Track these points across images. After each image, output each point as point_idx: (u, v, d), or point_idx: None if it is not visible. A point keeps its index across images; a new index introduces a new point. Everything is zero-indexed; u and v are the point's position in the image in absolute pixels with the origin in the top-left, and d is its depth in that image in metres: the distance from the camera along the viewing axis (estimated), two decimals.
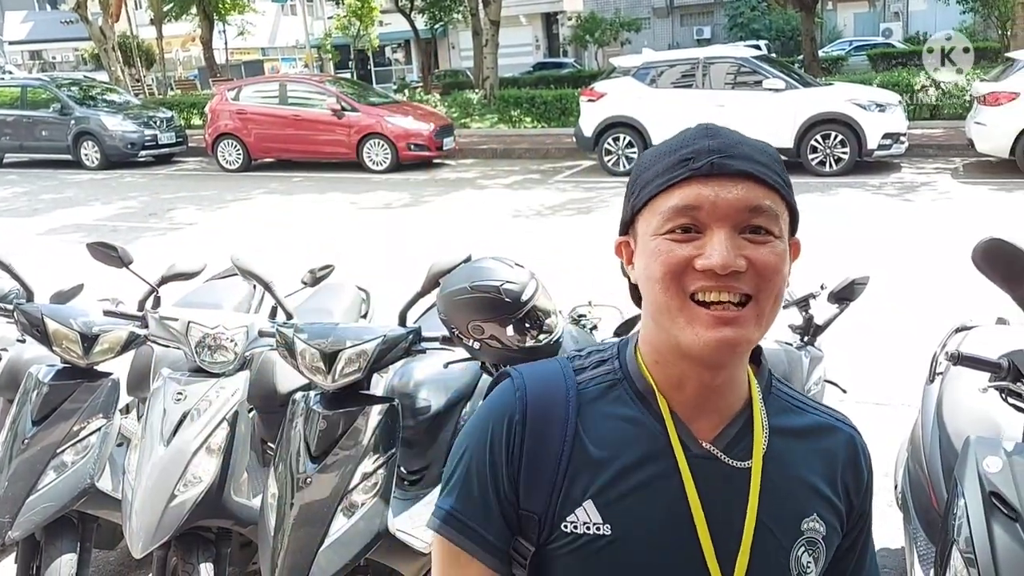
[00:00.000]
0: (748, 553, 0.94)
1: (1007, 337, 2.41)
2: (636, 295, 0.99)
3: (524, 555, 0.97)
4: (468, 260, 2.29)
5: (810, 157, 10.91)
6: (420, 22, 30.66)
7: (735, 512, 0.95)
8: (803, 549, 0.97)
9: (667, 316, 0.91)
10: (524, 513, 0.96)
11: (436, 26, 32.39)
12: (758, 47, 15.44)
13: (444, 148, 13.76)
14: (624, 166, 11.99)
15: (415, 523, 2.47)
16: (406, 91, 21.87)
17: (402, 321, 2.44)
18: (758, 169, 0.91)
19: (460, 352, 2.30)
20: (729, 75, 11.62)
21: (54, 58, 45.55)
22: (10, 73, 30.31)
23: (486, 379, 2.83)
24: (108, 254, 2.68)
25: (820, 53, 22.25)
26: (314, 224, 9.52)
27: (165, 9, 26.74)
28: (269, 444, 2.84)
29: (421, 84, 27.29)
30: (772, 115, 11.00)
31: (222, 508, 2.40)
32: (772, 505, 0.95)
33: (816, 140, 10.87)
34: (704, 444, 0.95)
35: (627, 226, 0.98)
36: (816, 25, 21.64)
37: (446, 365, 2.42)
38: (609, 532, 0.94)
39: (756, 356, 1.03)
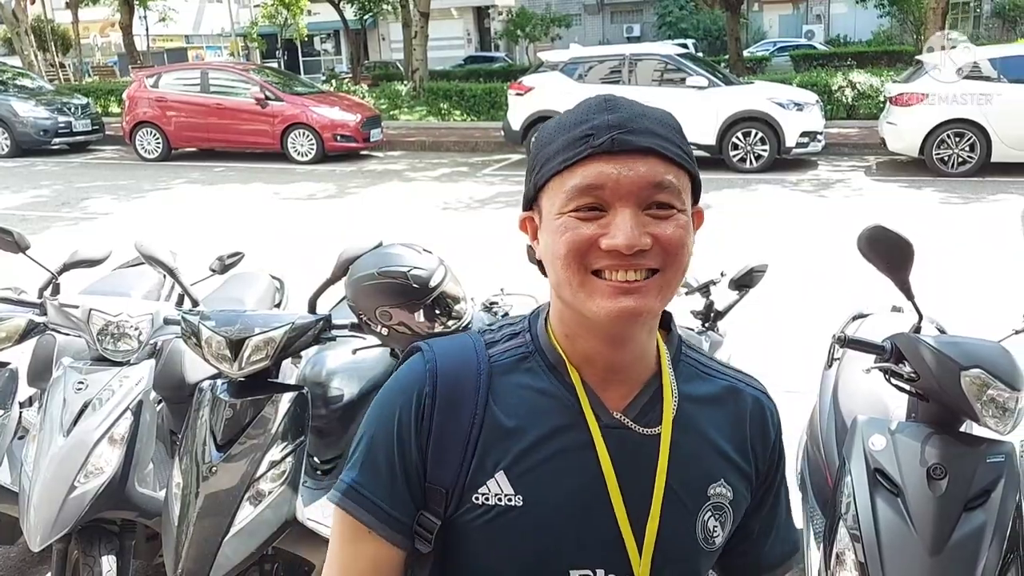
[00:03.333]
0: (658, 518, 0.95)
1: (899, 323, 2.52)
2: (543, 269, 0.97)
3: (430, 529, 0.96)
4: (379, 247, 2.29)
5: (731, 154, 11.18)
6: (349, 12, 30.26)
7: (646, 478, 0.95)
8: (709, 515, 0.98)
9: (569, 290, 0.91)
10: (431, 487, 0.96)
11: (365, 17, 32.02)
12: (685, 46, 15.76)
13: (371, 140, 13.64)
14: None
15: (327, 512, 2.46)
16: (334, 82, 21.56)
17: (312, 308, 2.43)
18: (660, 144, 0.89)
19: (371, 339, 2.30)
20: (655, 72, 11.82)
21: None
22: None
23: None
24: (3, 239, 2.59)
25: (745, 53, 22.80)
26: (236, 214, 9.33)
27: None
28: (177, 435, 2.78)
29: (350, 75, 26.95)
30: (695, 112, 11.21)
31: (125, 499, 2.35)
32: (681, 470, 0.96)
33: (737, 137, 11.15)
34: (615, 414, 0.96)
35: (530, 202, 0.96)
36: (741, 26, 22.17)
37: (355, 351, 2.41)
38: (520, 503, 0.94)
39: (668, 323, 1.04)
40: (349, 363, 2.74)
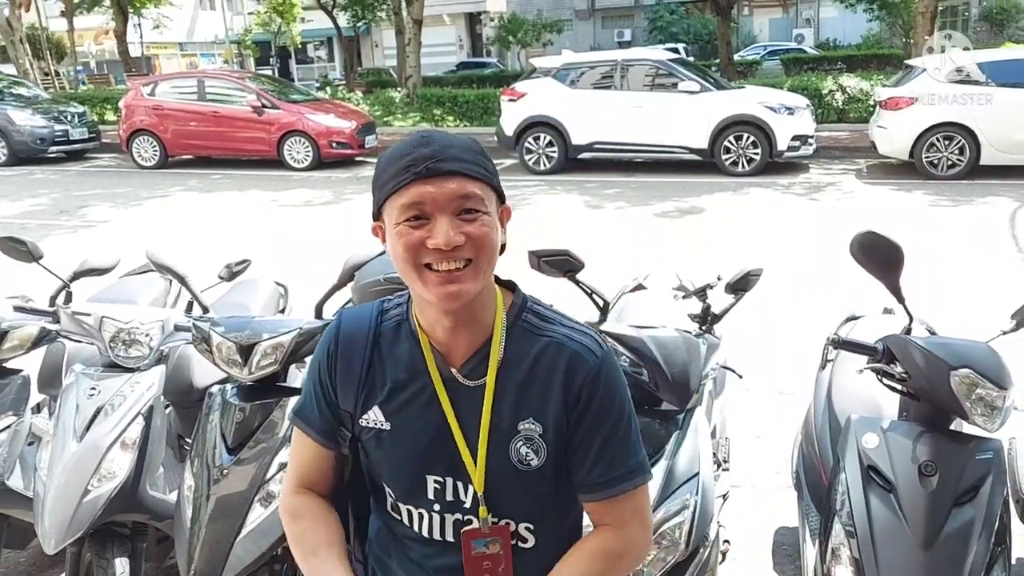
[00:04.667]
0: (486, 444, 1.28)
1: (890, 325, 2.59)
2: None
3: (345, 439, 1.37)
4: (383, 254, 2.35)
5: (723, 157, 11.27)
6: (343, 20, 30.29)
7: (476, 416, 1.28)
8: (521, 443, 1.28)
9: (410, 280, 1.22)
10: (342, 411, 1.35)
11: (359, 24, 32.05)
12: (676, 50, 15.89)
13: (366, 146, 13.68)
14: (544, 165, 12.16)
15: None
16: (328, 89, 21.60)
17: (318, 314, 2.49)
18: (463, 167, 1.19)
19: None
20: (647, 77, 11.91)
21: None
22: None
23: None
24: (17, 249, 2.64)
25: (736, 57, 22.92)
26: (233, 221, 9.37)
27: (76, 1, 25.75)
28: (186, 439, 2.83)
29: (344, 82, 27.00)
30: (687, 116, 11.33)
31: (137, 503, 2.39)
32: (500, 409, 1.28)
33: (729, 141, 11.23)
34: (452, 369, 1.29)
35: (377, 215, 1.26)
36: (732, 30, 22.27)
37: None
38: (389, 428, 1.32)
39: (512, 289, 1.35)
40: None
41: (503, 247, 1.28)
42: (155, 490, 2.45)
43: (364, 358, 1.32)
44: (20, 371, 2.62)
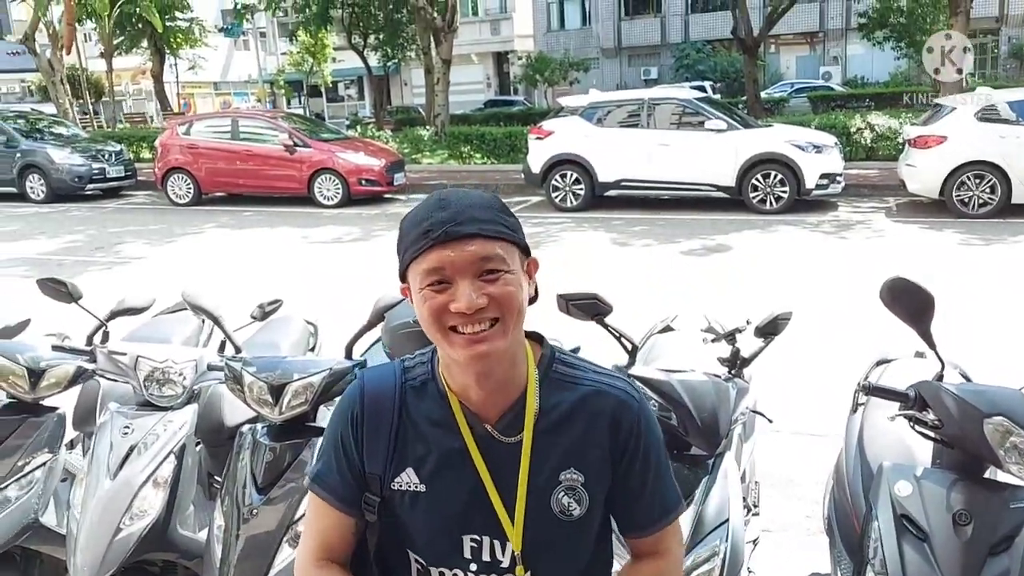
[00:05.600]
0: (524, 501, 1.27)
1: (922, 369, 2.56)
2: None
3: (372, 504, 1.33)
4: None
5: (751, 195, 11.26)
6: (373, 59, 30.90)
7: (513, 472, 1.27)
8: (563, 494, 1.28)
9: (438, 342, 1.23)
10: (370, 474, 1.32)
11: (389, 63, 32.64)
12: (703, 88, 15.95)
13: (395, 183, 13.86)
14: (571, 202, 12.22)
15: None
16: (358, 127, 21.95)
17: (348, 354, 2.51)
18: (483, 228, 1.19)
19: None
20: (673, 115, 11.98)
21: None
22: None
23: None
24: (58, 290, 2.70)
25: (763, 95, 22.98)
26: (264, 258, 9.50)
27: (116, 42, 26.52)
28: (216, 478, 2.86)
29: (373, 120, 27.43)
30: (714, 154, 11.35)
31: (168, 541, 2.41)
32: (539, 464, 1.28)
33: (757, 179, 11.23)
34: (487, 426, 1.28)
35: (403, 277, 1.27)
36: (759, 67, 22.38)
37: None
38: (424, 489, 1.30)
39: (540, 341, 1.34)
40: None
41: (534, 298, 1.29)
42: (185, 529, 2.47)
43: (392, 419, 1.31)
44: (56, 409, 2.66)
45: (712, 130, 11.48)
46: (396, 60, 32.23)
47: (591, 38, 39.49)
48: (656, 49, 38.79)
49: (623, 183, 12.08)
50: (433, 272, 1.18)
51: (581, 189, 12.17)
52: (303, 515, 2.26)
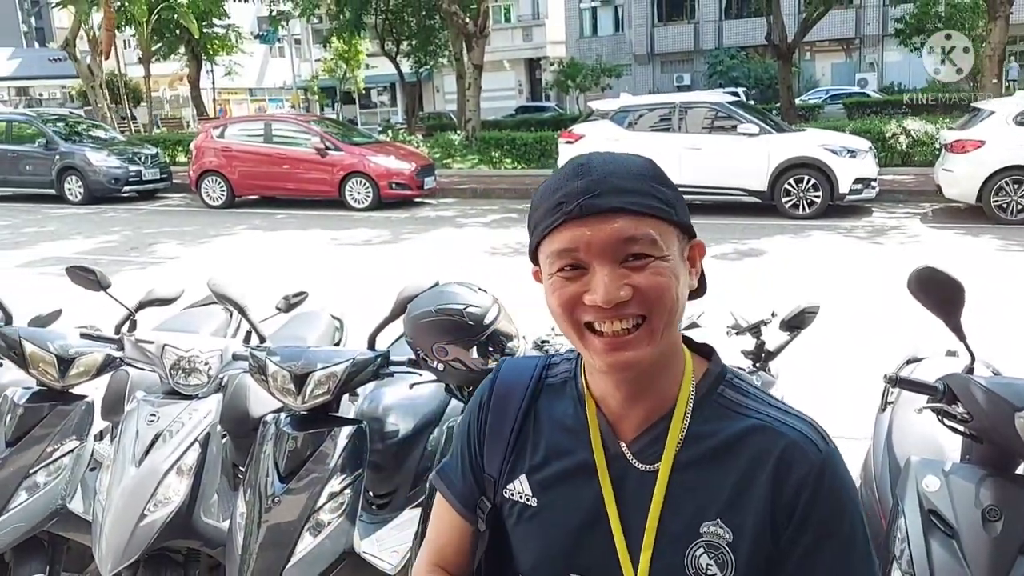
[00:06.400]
0: (651, 548, 1.01)
1: (953, 366, 2.51)
2: None
3: (484, 510, 1.14)
4: (436, 286, 2.38)
5: (784, 200, 11.14)
6: (405, 66, 31.12)
7: (642, 508, 1.02)
8: (701, 551, 1.00)
9: (572, 342, 1.01)
10: (486, 476, 1.14)
11: (421, 70, 32.87)
12: (736, 94, 15.76)
13: (425, 187, 13.93)
14: None
15: (382, 546, 2.52)
16: (390, 132, 22.11)
17: (371, 345, 2.52)
18: (627, 202, 0.95)
19: (427, 375, 2.38)
20: (705, 119, 11.90)
21: (41, 95, 45.65)
22: None
23: (454, 405, 2.91)
24: (86, 277, 2.75)
25: (797, 101, 22.77)
26: (295, 259, 9.59)
27: (153, 48, 26.99)
28: (240, 468, 2.88)
29: (405, 125, 27.61)
30: (747, 159, 11.26)
31: (191, 529, 2.43)
32: (676, 506, 1.01)
33: (790, 184, 11.12)
34: (621, 444, 1.05)
35: (534, 258, 1.05)
36: (793, 74, 22.19)
37: (412, 386, 2.49)
38: (535, 504, 1.09)
39: (710, 353, 1.10)
40: (405, 399, 2.83)
41: (699, 291, 1.06)
42: (209, 517, 2.49)
43: (518, 414, 1.12)
44: (84, 397, 2.70)
45: (744, 134, 11.39)
46: (428, 66, 32.44)
47: (623, 44, 39.44)
48: (689, 55, 38.62)
49: None
50: (564, 254, 0.96)
51: None
52: (324, 504, 2.28)
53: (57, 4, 23.23)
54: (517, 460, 1.11)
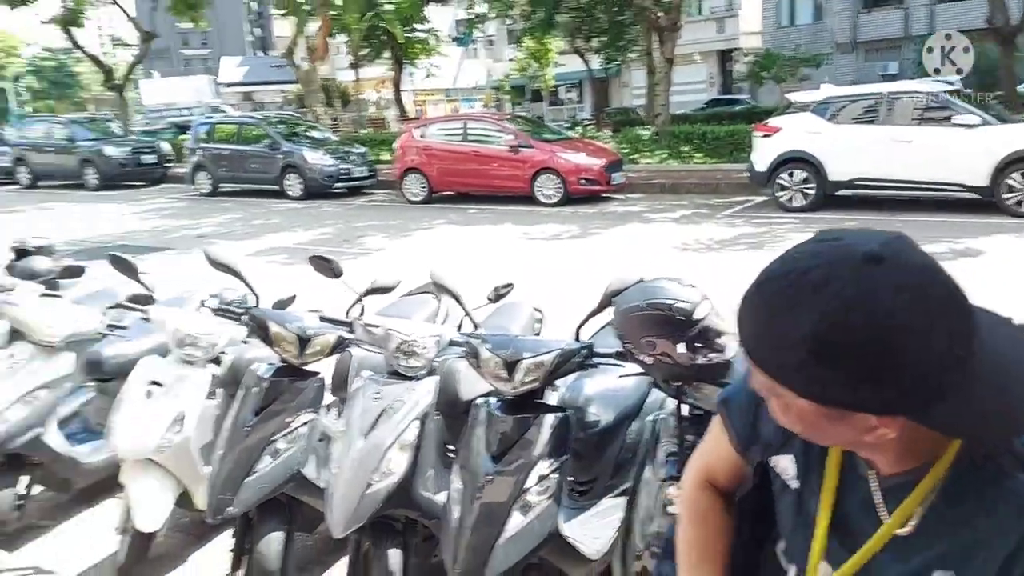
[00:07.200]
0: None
1: None
2: None
3: (754, 460, 1.17)
4: (641, 281, 2.43)
5: (1006, 197, 10.19)
6: (594, 62, 31.24)
7: (865, 527, 0.99)
8: None
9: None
10: (763, 435, 1.13)
11: (610, 66, 32.87)
12: (949, 82, 14.51)
13: (613, 182, 13.96)
14: (799, 202, 11.69)
15: (584, 530, 2.61)
16: (578, 128, 22.31)
17: (576, 336, 2.62)
18: (764, 361, 0.88)
19: (631, 367, 2.44)
20: (916, 110, 11.08)
21: (262, 99, 49.99)
22: (224, 112, 33.53)
23: (654, 397, 2.95)
24: (325, 266, 3.05)
25: (1020, 88, 20.66)
26: (488, 252, 9.95)
27: (361, 53, 28.78)
28: (449, 447, 3.08)
29: (593, 122, 27.74)
30: (964, 152, 10.39)
31: (411, 500, 2.63)
32: (908, 548, 0.95)
33: (1013, 179, 10.15)
34: (868, 472, 0.99)
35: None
36: (1016, 59, 20.13)
37: (619, 378, 2.56)
38: (796, 486, 1.09)
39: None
40: (606, 390, 2.90)
41: None
42: (425, 490, 2.68)
43: None
44: (318, 373, 2.99)
45: (962, 125, 10.50)
46: (618, 62, 32.36)
47: (824, 32, 37.38)
48: (896, 42, 35.96)
49: (857, 182, 11.38)
50: None
51: (811, 188, 11.62)
52: (532, 486, 2.39)
53: (280, 14, 25.30)
54: (790, 437, 1.05)
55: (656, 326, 2.18)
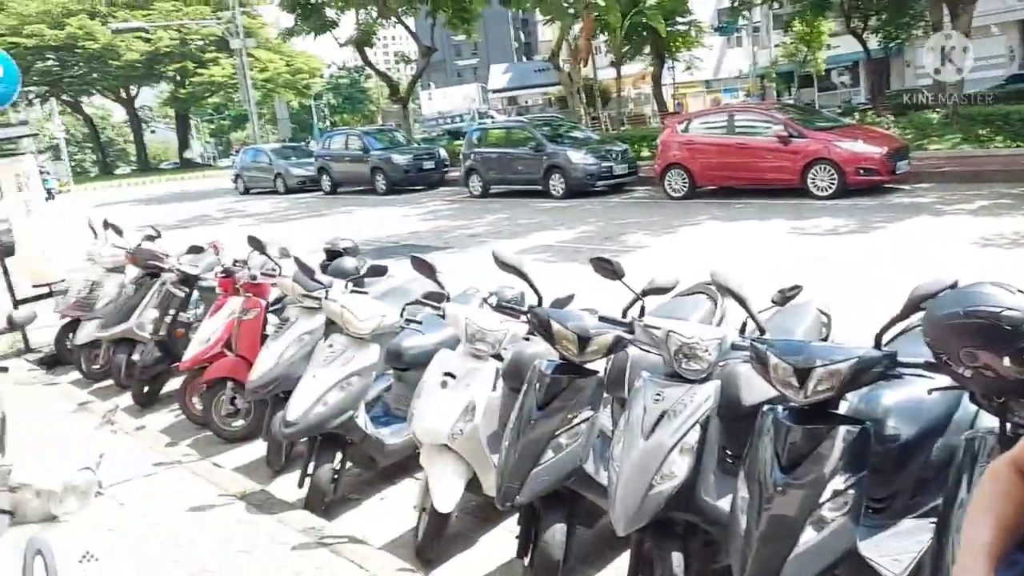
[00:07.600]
0: None
1: None
2: None
3: None
4: (954, 286, 2.21)
5: None
6: (872, 42, 28.93)
7: None
8: None
9: None
10: None
11: (890, 45, 30.25)
12: None
13: (897, 172, 12.84)
14: None
15: (885, 550, 2.43)
16: (856, 114, 20.74)
17: (877, 344, 2.43)
18: None
19: (943, 380, 2.22)
20: None
21: (526, 102, 52.13)
22: (492, 117, 35.36)
23: (963, 413, 2.67)
24: (605, 268, 3.10)
25: None
26: (758, 248, 9.57)
27: (623, 51, 28.94)
28: (727, 451, 3.00)
29: (870, 106, 25.67)
30: None
31: (692, 504, 2.60)
32: None
33: None
34: None
35: None
36: None
37: (930, 391, 2.35)
38: None
39: None
40: (907, 401, 2.67)
41: None
42: (707, 495, 2.64)
43: None
44: (596, 372, 3.05)
45: None
46: (900, 40, 29.68)
47: None
48: None
49: None
50: None
51: None
52: (827, 500, 2.25)
53: (546, 20, 26.17)
54: None
55: (979, 336, 1.98)
